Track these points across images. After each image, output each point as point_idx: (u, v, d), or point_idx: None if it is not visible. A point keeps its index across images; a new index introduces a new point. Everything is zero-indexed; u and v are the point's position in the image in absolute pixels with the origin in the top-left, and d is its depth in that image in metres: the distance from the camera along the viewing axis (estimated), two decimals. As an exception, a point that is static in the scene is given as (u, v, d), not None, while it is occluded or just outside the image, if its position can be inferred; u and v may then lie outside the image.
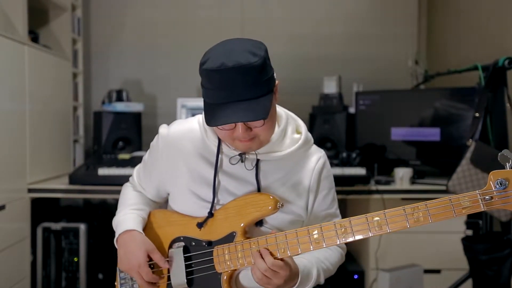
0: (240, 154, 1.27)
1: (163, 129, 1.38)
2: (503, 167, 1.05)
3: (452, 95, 2.63)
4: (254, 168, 1.27)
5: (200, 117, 1.34)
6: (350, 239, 1.13)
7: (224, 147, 1.28)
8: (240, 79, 1.10)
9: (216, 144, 1.28)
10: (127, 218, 1.35)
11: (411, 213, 1.08)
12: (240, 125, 1.15)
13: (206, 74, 1.12)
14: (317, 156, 1.35)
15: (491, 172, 1.04)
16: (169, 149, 1.34)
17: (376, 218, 1.11)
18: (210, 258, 1.27)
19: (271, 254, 1.18)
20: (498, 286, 2.13)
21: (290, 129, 1.33)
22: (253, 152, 1.26)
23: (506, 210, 2.04)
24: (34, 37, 2.72)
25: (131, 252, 1.29)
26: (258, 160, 1.27)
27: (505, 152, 1.03)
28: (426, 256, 2.48)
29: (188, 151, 1.32)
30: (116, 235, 1.34)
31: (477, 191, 1.04)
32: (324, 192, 1.34)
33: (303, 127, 1.35)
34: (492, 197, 1.03)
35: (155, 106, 3.32)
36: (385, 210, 1.11)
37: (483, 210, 1.04)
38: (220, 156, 1.29)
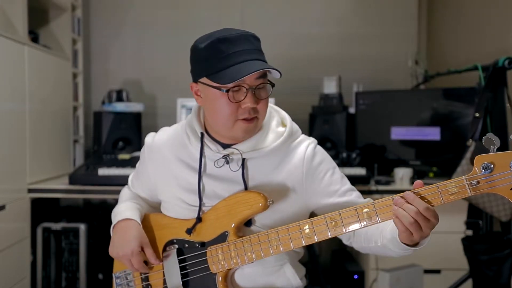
0: (224, 156, 1.26)
1: (148, 138, 1.39)
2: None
3: (452, 95, 2.63)
4: (240, 169, 1.26)
5: (184, 123, 1.34)
6: (341, 232, 1.13)
7: (207, 151, 1.27)
8: (257, 44, 1.21)
9: (199, 148, 1.28)
10: (127, 209, 1.37)
11: None
12: (250, 94, 1.17)
13: (222, 41, 1.16)
14: (305, 144, 1.31)
15: (476, 156, 1.03)
16: (154, 158, 1.35)
17: (366, 210, 1.11)
18: (204, 259, 1.27)
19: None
20: (498, 286, 2.13)
21: (275, 123, 1.32)
22: (238, 151, 1.25)
23: (506, 210, 2.05)
24: (34, 37, 2.72)
25: (126, 239, 1.29)
26: (243, 160, 1.26)
27: (489, 135, 1.02)
28: (426, 256, 2.48)
29: (172, 158, 1.32)
30: (114, 222, 1.35)
31: (463, 176, 1.04)
32: (329, 173, 1.31)
33: (287, 119, 1.34)
34: (478, 182, 1.03)
35: (155, 106, 3.32)
36: (374, 201, 1.11)
37: (470, 195, 1.04)
38: (203, 160, 1.28)
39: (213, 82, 1.18)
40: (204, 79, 1.20)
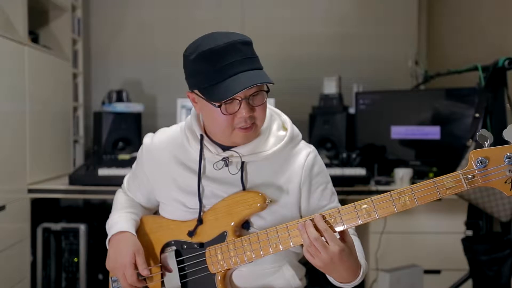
0: (223, 159, 1.25)
1: (146, 139, 1.38)
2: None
3: (452, 95, 2.63)
4: (240, 172, 1.25)
5: (183, 124, 1.33)
6: (340, 229, 1.13)
7: (206, 153, 1.27)
8: (246, 51, 1.15)
9: (198, 150, 1.27)
10: (121, 220, 1.35)
11: (398, 197, 1.10)
12: (244, 104, 1.15)
13: (209, 55, 1.12)
14: (306, 152, 1.30)
15: (472, 151, 1.06)
16: (152, 159, 1.34)
17: (364, 206, 1.12)
18: (203, 260, 1.26)
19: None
20: (498, 286, 2.13)
21: (276, 126, 1.30)
22: (237, 154, 1.24)
23: (506, 210, 2.05)
24: (34, 37, 2.72)
25: (120, 252, 1.28)
26: (243, 163, 1.25)
27: (482, 131, 1.06)
28: (426, 257, 2.48)
29: (171, 160, 1.31)
30: (109, 236, 1.34)
31: (459, 171, 1.07)
32: (322, 187, 1.31)
33: (288, 122, 1.32)
34: (474, 176, 1.06)
35: (155, 106, 3.32)
36: (372, 198, 1.12)
37: (466, 188, 1.06)
38: (203, 162, 1.27)
39: (204, 97, 1.17)
40: (197, 91, 1.19)
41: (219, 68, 1.12)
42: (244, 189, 1.25)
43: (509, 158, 1.03)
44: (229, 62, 1.12)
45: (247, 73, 1.13)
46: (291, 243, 1.17)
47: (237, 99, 1.14)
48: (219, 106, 1.14)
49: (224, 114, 1.15)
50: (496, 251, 2.14)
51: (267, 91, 1.19)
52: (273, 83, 1.14)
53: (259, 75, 1.15)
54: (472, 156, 1.05)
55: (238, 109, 1.15)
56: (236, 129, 1.19)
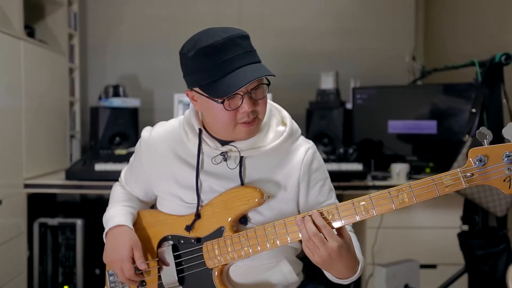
0: (222, 153, 1.25)
1: (145, 132, 1.38)
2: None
3: (449, 90, 2.63)
4: (238, 166, 1.25)
5: (182, 118, 1.33)
6: (338, 225, 1.13)
7: (204, 147, 1.26)
8: (245, 45, 1.14)
9: (197, 145, 1.27)
10: (118, 214, 1.35)
11: (396, 195, 1.10)
12: (246, 99, 1.14)
13: (208, 51, 1.11)
14: (305, 147, 1.29)
15: (470, 149, 1.06)
16: (151, 153, 1.34)
17: (363, 203, 1.12)
18: (200, 255, 1.27)
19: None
20: (493, 281, 2.14)
21: (275, 122, 1.30)
22: (236, 149, 1.24)
23: (501, 205, 2.06)
24: (30, 32, 2.71)
25: (117, 246, 1.28)
26: (241, 158, 1.25)
27: (482, 129, 1.05)
28: (422, 251, 2.49)
29: (169, 154, 1.31)
30: (106, 229, 1.34)
31: (458, 169, 1.07)
32: (320, 183, 1.30)
33: (288, 118, 1.32)
34: (472, 174, 1.06)
35: (152, 101, 3.32)
36: (371, 194, 1.12)
37: (465, 187, 1.06)
38: (201, 156, 1.27)
39: (206, 93, 1.16)
40: (197, 89, 1.18)
41: (220, 63, 1.11)
42: (242, 184, 1.25)
43: (508, 156, 1.03)
44: (229, 57, 1.11)
45: (248, 67, 1.13)
46: (289, 239, 1.18)
47: (239, 94, 1.14)
48: (222, 102, 1.14)
49: (227, 110, 1.15)
50: (491, 246, 2.15)
51: (268, 84, 1.19)
52: (274, 75, 1.14)
53: (260, 68, 1.14)
54: (471, 154, 1.05)
55: (241, 104, 1.15)
56: (239, 125, 1.19)
